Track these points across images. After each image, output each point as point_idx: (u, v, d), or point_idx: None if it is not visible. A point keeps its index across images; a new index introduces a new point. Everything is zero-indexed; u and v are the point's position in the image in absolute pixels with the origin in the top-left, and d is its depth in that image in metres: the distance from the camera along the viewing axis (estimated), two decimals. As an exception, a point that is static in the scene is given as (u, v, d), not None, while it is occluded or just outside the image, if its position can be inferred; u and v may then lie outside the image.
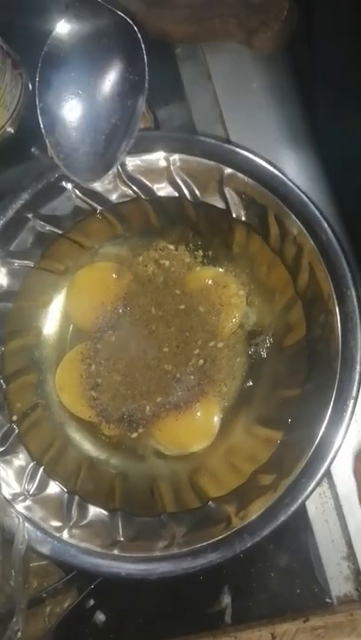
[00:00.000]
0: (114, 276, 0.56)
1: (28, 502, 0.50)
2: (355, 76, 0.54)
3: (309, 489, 0.45)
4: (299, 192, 0.49)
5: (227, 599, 0.53)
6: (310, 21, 0.58)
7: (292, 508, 0.45)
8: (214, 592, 0.53)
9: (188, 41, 0.60)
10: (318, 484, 0.45)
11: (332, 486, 0.52)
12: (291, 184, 0.49)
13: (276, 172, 0.49)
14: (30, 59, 0.61)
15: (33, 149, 0.64)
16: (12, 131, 0.62)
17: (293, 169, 0.54)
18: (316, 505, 0.52)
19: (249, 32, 0.56)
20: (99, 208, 0.54)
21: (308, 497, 0.45)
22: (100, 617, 0.54)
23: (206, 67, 0.59)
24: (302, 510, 0.51)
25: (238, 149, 0.50)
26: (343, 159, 0.55)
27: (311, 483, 0.45)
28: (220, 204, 0.52)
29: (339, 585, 0.51)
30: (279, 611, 0.52)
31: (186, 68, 0.62)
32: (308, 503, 0.51)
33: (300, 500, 0.45)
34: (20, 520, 0.48)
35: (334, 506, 0.52)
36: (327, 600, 0.51)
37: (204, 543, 0.46)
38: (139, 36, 0.49)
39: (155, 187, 0.53)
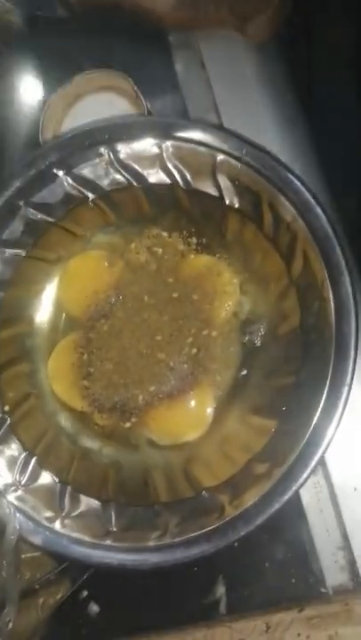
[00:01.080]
0: (106, 264, 0.55)
1: (19, 492, 0.50)
2: (351, 63, 0.54)
3: (303, 477, 0.45)
4: (292, 178, 0.48)
5: (221, 589, 0.53)
6: (305, 9, 0.57)
7: (286, 497, 0.45)
8: (209, 582, 0.53)
9: (181, 27, 0.59)
10: (312, 472, 0.45)
11: (326, 476, 0.51)
12: (284, 170, 0.48)
13: (270, 158, 0.49)
14: (21, 45, 0.61)
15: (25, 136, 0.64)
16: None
17: (287, 156, 0.53)
18: (310, 494, 0.52)
19: (243, 19, 0.55)
20: (91, 196, 0.54)
21: (301, 485, 0.45)
22: (94, 608, 0.54)
23: (200, 54, 0.59)
24: (297, 500, 0.51)
25: (231, 135, 0.50)
26: (337, 145, 0.55)
27: (305, 471, 0.45)
28: (213, 191, 0.51)
29: (334, 575, 0.51)
30: (274, 601, 0.51)
31: (179, 56, 0.61)
32: (302, 492, 0.51)
33: (293, 489, 0.45)
34: (12, 510, 0.48)
35: (329, 495, 0.52)
36: (322, 590, 0.51)
37: (198, 533, 0.46)
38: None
39: (147, 173, 0.53)
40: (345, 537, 0.51)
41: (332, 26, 0.56)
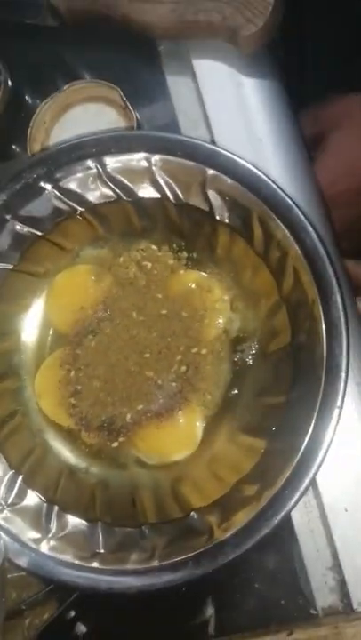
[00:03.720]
0: (93, 278, 0.54)
1: (5, 513, 0.49)
2: (343, 73, 0.53)
3: (293, 500, 0.44)
4: (283, 195, 0.47)
5: (210, 610, 0.52)
6: (297, 19, 0.57)
7: (276, 521, 0.44)
8: (197, 603, 0.52)
9: (171, 37, 0.58)
10: (303, 495, 0.44)
11: (317, 495, 0.50)
12: (275, 186, 0.48)
13: (260, 173, 0.48)
14: (10, 54, 0.60)
15: (14, 148, 0.63)
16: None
17: (278, 171, 0.53)
18: (301, 514, 0.51)
19: (233, 29, 0.54)
20: (79, 209, 0.53)
21: (291, 509, 0.44)
22: (81, 628, 0.53)
23: (190, 65, 0.58)
24: (287, 520, 0.50)
25: (221, 150, 0.49)
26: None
27: (295, 494, 0.44)
28: (204, 206, 0.50)
29: (324, 596, 0.50)
30: (263, 622, 0.51)
31: (170, 67, 0.60)
32: (293, 513, 0.49)
33: (283, 513, 0.44)
34: (-3, 532, 0.47)
35: (320, 515, 0.51)
36: (312, 612, 0.50)
37: (186, 556, 0.45)
38: None
39: (136, 187, 0.52)
40: (335, 557, 0.50)
41: (322, 28, 0.55)
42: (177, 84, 0.60)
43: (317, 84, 0.56)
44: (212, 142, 0.54)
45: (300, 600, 0.51)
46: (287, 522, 0.51)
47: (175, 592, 0.47)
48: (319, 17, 0.55)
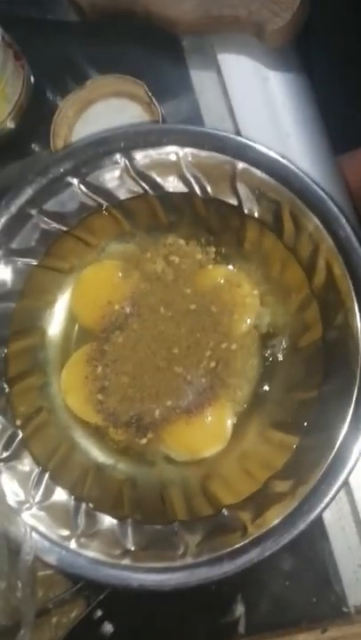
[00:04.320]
0: (120, 274, 0.54)
1: (34, 510, 0.48)
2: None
3: (330, 496, 0.43)
4: (315, 187, 0.47)
5: (240, 609, 0.51)
6: (324, 13, 0.56)
7: (312, 517, 0.43)
8: (228, 601, 0.51)
9: (195, 32, 0.58)
10: (339, 491, 0.43)
11: (348, 492, 0.50)
12: (307, 179, 0.47)
13: (292, 166, 0.48)
14: (32, 50, 0.60)
15: (33, 146, 0.63)
16: (13, 126, 0.60)
17: (306, 165, 0.52)
18: (332, 511, 0.51)
19: (260, 24, 0.54)
20: (105, 204, 0.52)
21: (328, 504, 0.43)
22: (109, 628, 0.53)
23: (215, 59, 0.57)
24: (318, 517, 0.50)
25: (253, 143, 0.48)
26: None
27: (331, 490, 0.43)
28: (233, 200, 0.50)
29: (356, 594, 0.50)
30: (295, 620, 0.50)
31: (194, 61, 0.60)
32: (324, 510, 0.49)
33: (319, 509, 0.43)
34: (27, 530, 0.47)
35: (351, 512, 0.50)
36: (344, 609, 0.50)
37: (221, 552, 0.44)
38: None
39: (163, 182, 0.51)
40: (367, 555, 0.49)
41: (350, 22, 0.55)
42: (201, 79, 0.59)
43: (347, 78, 0.55)
44: (241, 135, 0.54)
45: (331, 598, 0.50)
46: (318, 519, 0.50)
47: (204, 591, 0.47)
48: (346, 10, 0.55)
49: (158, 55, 0.61)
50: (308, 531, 0.48)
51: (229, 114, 0.57)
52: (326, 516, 0.50)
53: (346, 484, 0.45)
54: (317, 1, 0.54)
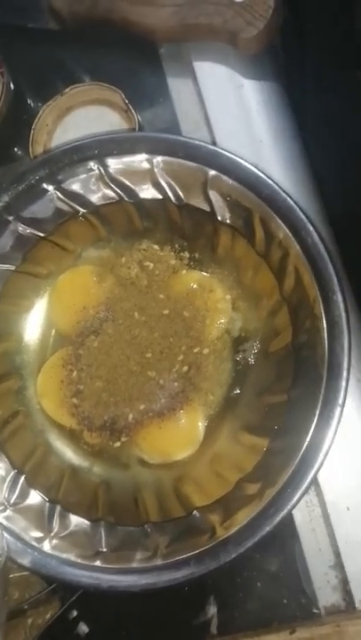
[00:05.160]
0: (95, 279, 0.54)
1: (8, 512, 0.49)
2: (343, 77, 0.54)
3: (295, 499, 0.44)
4: (284, 195, 0.48)
5: (212, 609, 0.52)
6: (298, 21, 0.57)
7: (278, 519, 0.44)
8: (200, 602, 0.52)
9: (172, 40, 0.58)
10: (304, 493, 0.44)
11: (319, 494, 0.51)
12: (276, 187, 0.48)
13: (261, 174, 0.48)
14: (13, 57, 0.61)
15: (13, 152, 0.63)
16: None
17: (279, 171, 0.53)
18: (302, 513, 0.51)
19: (234, 32, 0.55)
20: (81, 210, 0.53)
21: (293, 507, 0.44)
22: (83, 628, 0.53)
23: (191, 67, 0.58)
24: (289, 519, 0.51)
25: (222, 151, 0.49)
26: (330, 161, 0.54)
27: (297, 492, 0.44)
28: (205, 207, 0.51)
29: (326, 595, 0.50)
30: (266, 621, 0.51)
31: (171, 69, 0.61)
32: (294, 511, 0.50)
33: (285, 511, 0.44)
34: (0, 531, 0.47)
35: (321, 514, 0.51)
36: (314, 610, 0.50)
37: (188, 554, 0.45)
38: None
39: (138, 189, 0.52)
40: (338, 556, 0.50)
41: (327, 36, 0.55)
42: (178, 86, 0.60)
43: (317, 84, 0.56)
44: (213, 143, 0.55)
45: (302, 599, 0.51)
46: (289, 521, 0.51)
47: (177, 591, 0.47)
48: (319, 19, 0.55)
49: (137, 63, 0.62)
50: (280, 532, 0.49)
51: (205, 121, 0.57)
52: (297, 518, 0.51)
53: (312, 486, 0.45)
54: (292, 8, 0.55)
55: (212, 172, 0.49)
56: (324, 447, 0.44)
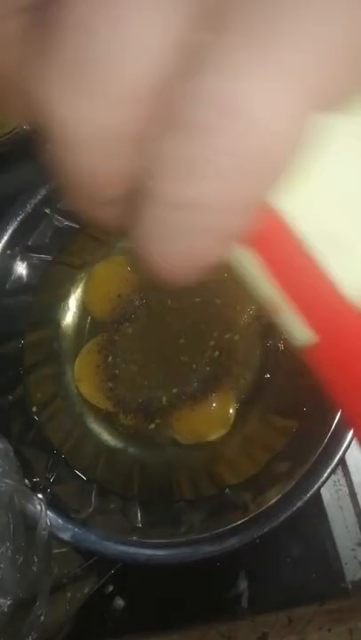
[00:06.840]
0: (129, 269, 0.57)
1: (49, 490, 0.51)
2: None
3: (324, 476, 0.46)
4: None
5: (243, 584, 0.54)
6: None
7: (308, 495, 0.46)
8: (231, 578, 0.54)
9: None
10: (333, 471, 0.46)
11: (346, 474, 0.53)
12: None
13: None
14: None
15: (48, 147, 0.65)
16: (29, 126, 0.62)
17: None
18: (330, 492, 0.53)
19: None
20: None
21: (323, 484, 0.46)
22: (120, 602, 0.56)
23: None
24: (317, 497, 0.53)
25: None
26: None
27: (326, 470, 0.46)
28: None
29: (353, 570, 0.52)
30: (295, 596, 0.53)
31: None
32: (322, 490, 0.52)
33: (315, 487, 0.46)
34: (42, 507, 0.50)
35: (349, 493, 0.53)
36: (342, 585, 0.52)
37: (223, 529, 0.47)
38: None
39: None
40: (364, 534, 0.52)
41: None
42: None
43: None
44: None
45: (330, 575, 0.53)
46: (317, 500, 0.53)
47: (209, 567, 0.49)
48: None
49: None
50: (308, 511, 0.51)
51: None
52: (325, 497, 0.53)
53: (339, 466, 0.47)
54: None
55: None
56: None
